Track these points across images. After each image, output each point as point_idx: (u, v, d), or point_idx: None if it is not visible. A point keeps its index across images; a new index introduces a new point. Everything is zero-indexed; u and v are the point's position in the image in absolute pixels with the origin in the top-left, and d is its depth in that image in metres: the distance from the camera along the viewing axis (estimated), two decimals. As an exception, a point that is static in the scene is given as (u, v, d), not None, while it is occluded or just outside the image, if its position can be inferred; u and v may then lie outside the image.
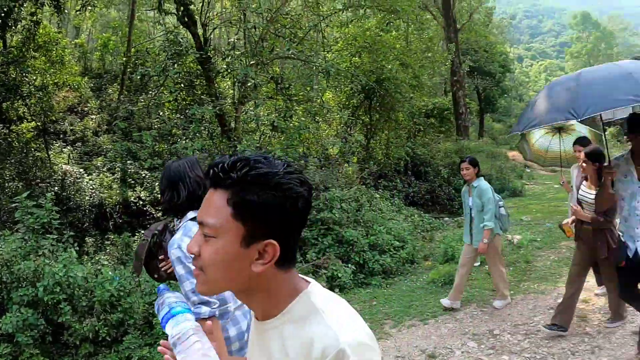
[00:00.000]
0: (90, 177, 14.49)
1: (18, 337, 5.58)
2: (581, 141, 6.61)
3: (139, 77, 13.05)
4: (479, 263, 8.09)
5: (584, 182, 5.38)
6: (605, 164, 4.65)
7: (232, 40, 13.68)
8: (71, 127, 17.64)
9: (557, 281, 7.30)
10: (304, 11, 14.41)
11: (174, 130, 12.58)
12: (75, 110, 18.92)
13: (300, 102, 13.72)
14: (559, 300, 5.74)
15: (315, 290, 1.36)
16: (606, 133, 28.35)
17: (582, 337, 5.41)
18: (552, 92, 4.31)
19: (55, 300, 5.88)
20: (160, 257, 3.22)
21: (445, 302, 6.73)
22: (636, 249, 4.29)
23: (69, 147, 16.46)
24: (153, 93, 14.57)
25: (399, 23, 17.85)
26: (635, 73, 3.76)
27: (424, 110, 19.65)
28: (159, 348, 1.68)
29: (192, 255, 1.35)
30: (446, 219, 14.70)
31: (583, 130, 7.47)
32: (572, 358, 5.02)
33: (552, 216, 12.33)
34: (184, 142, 11.08)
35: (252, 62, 11.89)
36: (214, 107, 11.07)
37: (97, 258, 9.28)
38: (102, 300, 6.03)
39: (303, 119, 13.14)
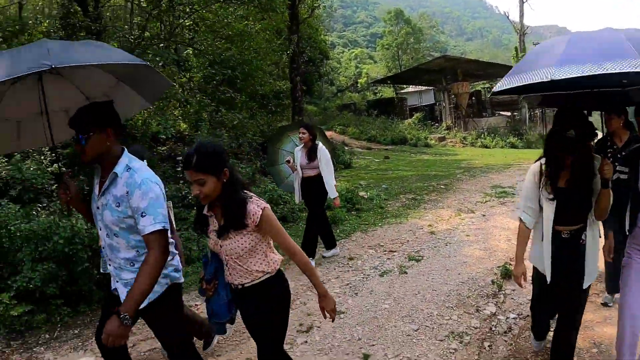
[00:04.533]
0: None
1: (47, 290, 6.29)
2: (306, 126, 8.16)
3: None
4: None
5: None
6: None
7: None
8: None
9: (407, 217, 11.01)
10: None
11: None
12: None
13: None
14: (416, 226, 9.30)
15: None
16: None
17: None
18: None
19: (74, 250, 6.60)
20: None
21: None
22: None
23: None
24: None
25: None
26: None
27: (260, 92, 22.42)
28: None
29: None
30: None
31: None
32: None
33: (382, 181, 16.22)
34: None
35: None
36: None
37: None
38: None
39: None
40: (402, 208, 12.06)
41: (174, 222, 5.28)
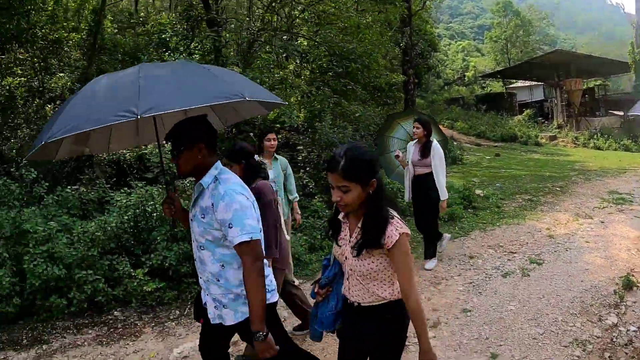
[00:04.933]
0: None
1: (181, 269, 6.81)
2: (421, 120, 7.90)
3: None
4: None
5: None
6: None
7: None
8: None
9: (524, 218, 10.91)
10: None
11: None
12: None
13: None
14: (534, 229, 9.23)
15: None
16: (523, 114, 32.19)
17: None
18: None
19: None
20: None
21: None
22: None
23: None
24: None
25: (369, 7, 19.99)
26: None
27: (372, 84, 22.46)
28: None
29: None
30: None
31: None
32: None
33: (496, 179, 16.05)
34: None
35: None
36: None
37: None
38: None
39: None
40: (518, 209, 11.96)
41: (282, 220, 5.23)
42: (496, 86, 53.25)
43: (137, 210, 7.19)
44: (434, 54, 45.57)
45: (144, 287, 6.52)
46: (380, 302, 3.00)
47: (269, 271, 3.47)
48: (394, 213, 2.92)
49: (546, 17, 78.35)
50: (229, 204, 3.05)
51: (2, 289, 5.94)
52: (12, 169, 8.33)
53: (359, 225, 2.95)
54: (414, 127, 7.86)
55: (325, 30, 13.24)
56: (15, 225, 6.57)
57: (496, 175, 17.18)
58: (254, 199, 3.30)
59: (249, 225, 3.06)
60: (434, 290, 6.89)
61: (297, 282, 7.23)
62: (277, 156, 7.02)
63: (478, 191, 13.01)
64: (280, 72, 14.52)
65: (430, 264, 7.98)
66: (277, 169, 6.91)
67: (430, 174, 7.70)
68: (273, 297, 3.43)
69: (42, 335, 6.00)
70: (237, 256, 3.15)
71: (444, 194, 7.74)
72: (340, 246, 3.08)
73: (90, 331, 6.10)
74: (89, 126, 2.93)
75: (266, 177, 4.87)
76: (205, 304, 3.46)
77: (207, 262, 3.25)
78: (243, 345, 5.26)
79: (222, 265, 3.22)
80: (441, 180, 7.71)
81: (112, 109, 2.89)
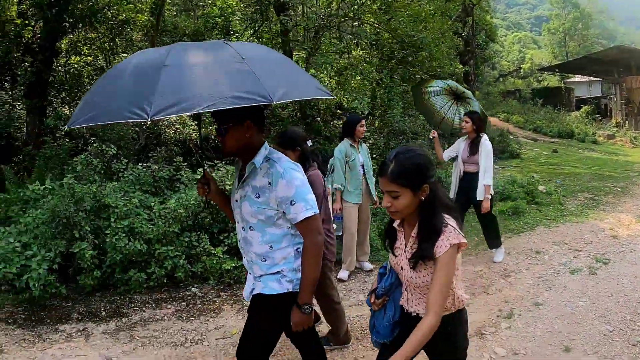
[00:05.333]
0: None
1: None
2: (472, 114, 7.68)
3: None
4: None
5: None
6: None
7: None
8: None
9: (587, 217, 11.06)
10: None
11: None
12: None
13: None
14: (598, 228, 9.33)
15: None
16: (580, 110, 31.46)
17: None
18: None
19: None
20: None
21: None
22: None
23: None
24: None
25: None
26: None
27: (434, 74, 22.22)
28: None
29: None
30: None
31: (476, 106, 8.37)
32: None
33: (555, 176, 16.06)
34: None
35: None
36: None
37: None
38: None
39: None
40: (580, 207, 12.03)
41: (330, 206, 5.22)
42: (553, 80, 52.34)
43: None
44: (491, 44, 44.98)
45: (223, 265, 6.87)
46: (444, 314, 2.77)
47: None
48: (450, 221, 2.74)
49: (605, 10, 76.18)
50: (290, 181, 3.05)
51: (84, 261, 6.35)
52: (94, 144, 8.77)
53: (413, 234, 2.81)
54: (463, 120, 7.68)
55: (398, 18, 13.27)
56: (96, 199, 6.97)
57: (555, 172, 17.15)
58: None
59: (310, 199, 3.09)
60: (505, 283, 7.14)
61: (371, 267, 7.55)
62: (363, 144, 7.32)
63: (540, 187, 13.10)
64: (347, 58, 14.67)
65: (498, 256, 8.09)
66: (365, 154, 7.25)
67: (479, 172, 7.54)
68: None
69: (121, 308, 6.36)
70: (286, 235, 3.18)
71: (481, 194, 7.52)
72: (396, 256, 2.95)
73: (169, 306, 6.44)
74: (105, 119, 2.74)
75: (320, 165, 4.89)
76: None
77: (254, 243, 3.22)
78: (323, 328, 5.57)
79: (270, 246, 3.19)
80: (485, 178, 7.48)
81: (126, 103, 2.62)
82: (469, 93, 8.62)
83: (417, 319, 2.84)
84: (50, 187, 7.29)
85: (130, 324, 5.97)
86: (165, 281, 6.79)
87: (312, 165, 4.75)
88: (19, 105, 12.22)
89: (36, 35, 12.59)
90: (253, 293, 3.32)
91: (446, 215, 2.75)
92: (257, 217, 3.15)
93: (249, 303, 3.44)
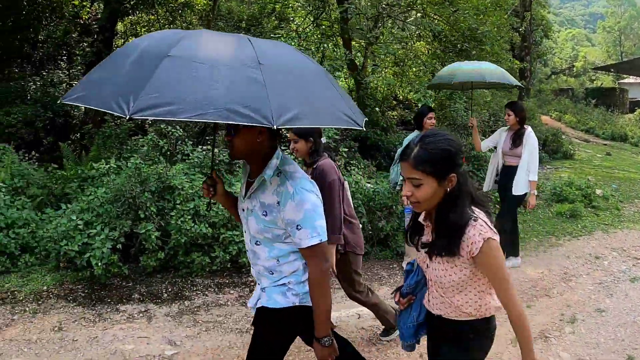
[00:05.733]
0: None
1: None
2: (514, 106, 7.40)
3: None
4: None
5: None
6: None
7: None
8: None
9: (645, 224, 10.82)
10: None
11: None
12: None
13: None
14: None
15: None
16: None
17: None
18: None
19: (356, 205, 7.32)
20: None
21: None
22: None
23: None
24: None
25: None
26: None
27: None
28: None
29: None
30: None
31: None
32: None
33: (610, 180, 15.73)
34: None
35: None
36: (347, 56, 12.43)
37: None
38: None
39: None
40: (638, 214, 11.79)
41: (350, 201, 5.08)
42: (607, 80, 51.23)
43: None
44: (545, 41, 44.14)
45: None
46: (465, 318, 2.65)
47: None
48: (480, 214, 2.50)
49: (663, 9, 74.04)
50: (300, 204, 2.77)
51: (149, 242, 6.42)
52: (162, 126, 8.88)
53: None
54: (505, 114, 7.38)
55: (463, 10, 13.12)
56: (161, 180, 7.03)
57: (610, 176, 16.78)
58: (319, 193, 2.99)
59: (319, 226, 2.82)
60: (566, 287, 7.04)
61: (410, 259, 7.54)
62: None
63: (598, 191, 12.86)
64: (407, 49, 14.61)
65: (514, 261, 7.74)
66: None
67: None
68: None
69: (183, 291, 6.44)
70: (294, 251, 2.94)
71: (520, 188, 7.21)
72: (421, 252, 2.74)
73: (232, 291, 6.49)
74: (92, 103, 2.47)
75: (332, 157, 4.78)
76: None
77: (261, 257, 3.03)
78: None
79: (277, 260, 2.98)
80: (529, 173, 7.16)
81: (114, 92, 2.33)
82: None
83: (441, 320, 2.73)
84: (114, 165, 7.41)
85: (193, 308, 6.04)
86: (228, 266, 6.85)
87: (322, 155, 4.60)
88: (76, 84, 12.37)
89: (93, 16, 12.79)
90: (257, 305, 3.12)
91: (476, 209, 2.51)
92: (263, 235, 2.94)
93: (253, 313, 3.22)
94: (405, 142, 6.84)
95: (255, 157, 2.90)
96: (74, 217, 6.34)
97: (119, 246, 6.29)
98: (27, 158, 8.61)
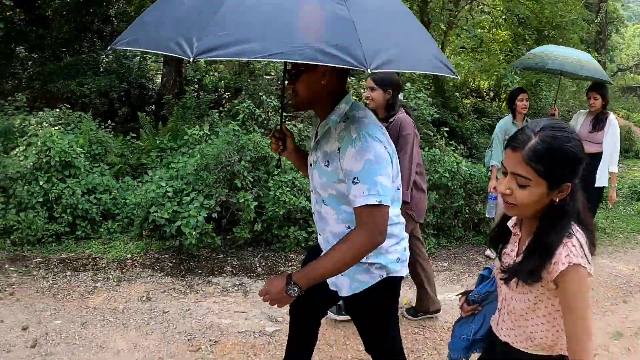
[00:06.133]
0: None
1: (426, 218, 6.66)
2: (600, 89, 6.70)
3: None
4: None
5: None
6: None
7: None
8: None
9: None
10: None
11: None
12: None
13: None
14: None
15: None
16: None
17: None
18: None
19: (455, 185, 7.15)
20: None
21: None
22: None
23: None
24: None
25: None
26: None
27: None
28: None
29: None
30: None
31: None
32: None
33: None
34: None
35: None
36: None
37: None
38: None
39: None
40: None
41: (423, 169, 4.71)
42: (676, 79, 49.41)
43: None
44: (614, 35, 42.90)
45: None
46: (538, 353, 2.11)
47: (403, 237, 2.78)
48: (578, 233, 1.94)
49: None
50: (360, 152, 2.34)
51: (247, 213, 6.06)
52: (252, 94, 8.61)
53: (529, 241, 2.04)
54: (590, 97, 6.65)
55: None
56: (256, 150, 6.70)
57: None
58: (394, 148, 2.58)
59: (380, 184, 2.33)
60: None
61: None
62: (527, 119, 6.70)
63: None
64: (489, 34, 14.19)
65: None
66: None
67: (601, 154, 6.54)
68: (402, 269, 2.74)
69: (277, 265, 6.12)
70: None
71: (602, 180, 6.57)
72: (501, 261, 2.21)
73: (329, 267, 6.18)
74: (146, 46, 2.26)
75: (409, 114, 4.38)
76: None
77: (329, 221, 2.66)
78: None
79: (348, 227, 2.58)
80: (609, 163, 6.57)
81: (174, 32, 2.06)
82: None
83: (508, 348, 2.19)
84: (208, 132, 7.15)
85: (290, 284, 5.73)
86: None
87: (398, 111, 4.28)
88: (149, 57, 12.33)
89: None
90: (342, 294, 2.73)
91: (576, 227, 1.96)
92: (328, 191, 2.57)
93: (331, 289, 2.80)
94: (498, 128, 6.64)
95: (321, 104, 2.57)
96: (163, 184, 6.06)
97: (215, 215, 6.00)
98: (102, 127, 8.43)
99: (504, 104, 14.74)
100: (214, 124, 8.22)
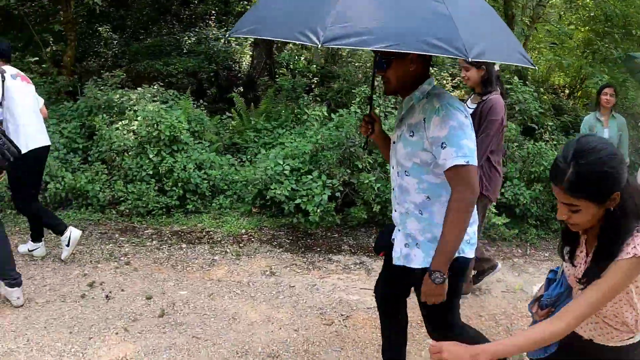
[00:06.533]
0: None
1: (531, 209, 6.73)
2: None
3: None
4: None
5: None
6: None
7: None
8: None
9: None
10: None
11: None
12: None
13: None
14: None
15: None
16: None
17: None
18: None
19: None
20: None
21: None
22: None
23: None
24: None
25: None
26: None
27: None
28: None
29: None
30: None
31: None
32: None
33: None
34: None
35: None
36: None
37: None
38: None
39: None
40: None
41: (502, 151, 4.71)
42: None
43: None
44: None
45: (493, 220, 6.33)
46: (625, 342, 2.16)
47: (475, 217, 2.85)
48: None
49: None
50: (444, 119, 2.54)
51: (368, 194, 5.98)
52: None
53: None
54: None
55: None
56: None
57: None
58: (471, 121, 2.71)
59: (466, 146, 2.52)
60: None
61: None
62: (615, 114, 6.57)
63: None
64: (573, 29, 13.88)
65: None
66: (613, 129, 6.49)
67: None
68: (471, 252, 2.82)
69: (391, 247, 6.03)
70: (444, 186, 2.65)
71: None
72: (575, 266, 2.24)
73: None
74: (268, 34, 2.61)
75: (503, 92, 4.45)
76: (393, 239, 2.98)
77: (410, 191, 2.77)
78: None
79: (428, 197, 2.72)
80: None
81: (298, 22, 2.34)
82: None
83: (591, 345, 2.22)
84: (325, 114, 7.10)
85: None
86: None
87: (494, 89, 4.32)
88: (234, 40, 12.39)
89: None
90: (412, 266, 2.79)
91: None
92: (412, 160, 2.71)
93: (397, 265, 2.87)
94: (584, 123, 6.52)
95: (409, 88, 2.75)
96: (280, 162, 6.00)
97: (338, 194, 5.94)
98: (196, 106, 8.45)
99: (580, 102, 14.40)
100: (307, 106, 8.18)
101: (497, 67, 4.44)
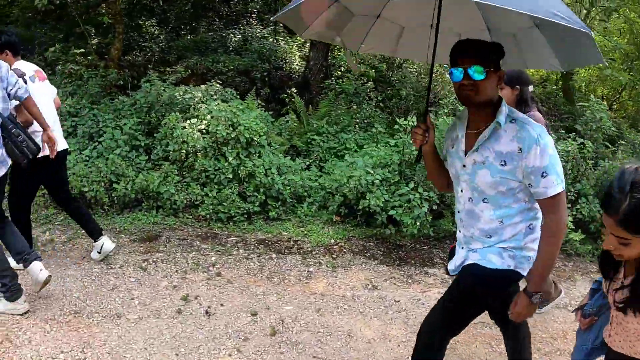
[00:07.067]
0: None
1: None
2: None
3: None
4: None
5: None
6: None
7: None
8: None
9: None
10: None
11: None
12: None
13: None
14: None
15: None
16: None
17: None
18: None
19: None
20: None
21: None
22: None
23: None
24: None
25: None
26: None
27: None
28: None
29: None
30: None
31: None
32: None
33: None
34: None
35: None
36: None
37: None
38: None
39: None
40: None
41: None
42: None
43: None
44: None
45: (569, 235, 6.21)
46: None
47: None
48: None
49: None
50: (544, 149, 2.51)
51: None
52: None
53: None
54: None
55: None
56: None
57: None
58: None
59: (561, 173, 2.57)
60: None
61: None
62: None
63: None
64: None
65: None
66: None
67: None
68: (525, 270, 2.77)
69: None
70: (522, 210, 2.67)
71: None
72: (613, 282, 2.23)
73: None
74: None
75: (539, 109, 4.40)
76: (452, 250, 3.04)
77: (482, 218, 2.73)
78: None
79: (501, 222, 2.69)
80: None
81: None
82: None
83: (622, 357, 2.20)
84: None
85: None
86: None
87: (531, 109, 4.27)
88: (282, 40, 12.22)
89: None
90: (465, 263, 2.82)
91: None
92: (496, 189, 2.64)
93: (454, 276, 2.92)
94: None
95: (489, 105, 2.66)
96: (371, 171, 5.85)
97: (435, 207, 5.84)
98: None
99: (618, 114, 14.24)
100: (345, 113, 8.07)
101: (531, 88, 4.40)
